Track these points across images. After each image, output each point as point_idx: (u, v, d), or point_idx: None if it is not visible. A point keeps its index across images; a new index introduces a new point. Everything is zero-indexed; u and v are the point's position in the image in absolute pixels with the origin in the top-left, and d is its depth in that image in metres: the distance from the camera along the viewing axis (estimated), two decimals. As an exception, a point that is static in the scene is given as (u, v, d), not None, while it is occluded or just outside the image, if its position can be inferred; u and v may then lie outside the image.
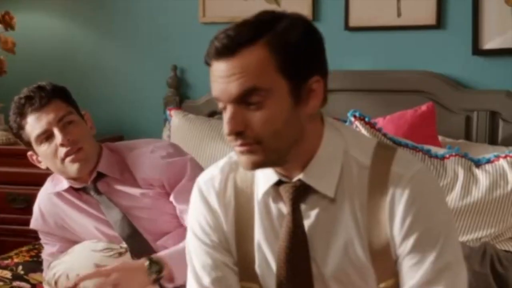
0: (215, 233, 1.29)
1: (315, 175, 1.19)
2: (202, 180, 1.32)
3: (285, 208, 1.23)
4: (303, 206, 1.21)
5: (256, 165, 1.16)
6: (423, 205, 1.16)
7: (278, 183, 1.22)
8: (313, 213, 1.22)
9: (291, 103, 1.12)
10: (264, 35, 1.11)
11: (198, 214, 1.30)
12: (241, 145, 1.14)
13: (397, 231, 1.17)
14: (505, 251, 2.05)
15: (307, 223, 1.22)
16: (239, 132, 1.13)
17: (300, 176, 1.20)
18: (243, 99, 1.12)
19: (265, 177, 1.24)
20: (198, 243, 1.30)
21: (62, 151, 1.75)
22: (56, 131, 1.74)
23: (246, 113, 1.12)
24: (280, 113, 1.12)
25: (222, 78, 1.12)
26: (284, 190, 1.21)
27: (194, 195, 1.32)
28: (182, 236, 1.77)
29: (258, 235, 1.26)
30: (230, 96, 1.12)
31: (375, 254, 1.19)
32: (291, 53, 1.11)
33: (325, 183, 1.19)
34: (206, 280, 1.28)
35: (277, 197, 1.24)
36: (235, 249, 1.29)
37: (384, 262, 1.19)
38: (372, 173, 1.19)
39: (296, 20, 1.15)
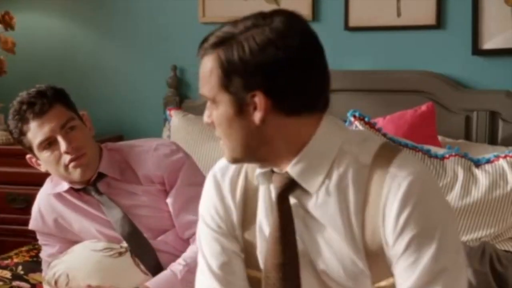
0: (224, 219, 1.31)
1: (300, 169, 1.20)
2: (218, 167, 1.35)
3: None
4: (292, 199, 1.23)
5: (227, 159, 1.24)
6: (418, 205, 1.15)
7: (273, 171, 1.25)
8: (302, 206, 1.23)
9: (234, 113, 1.17)
10: (221, 46, 1.15)
11: (208, 201, 1.33)
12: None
13: (391, 230, 1.16)
14: (505, 251, 2.05)
15: (296, 215, 1.23)
16: (212, 126, 1.22)
17: (288, 168, 1.21)
18: None
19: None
20: (207, 230, 1.33)
21: (67, 158, 1.75)
22: (60, 139, 1.74)
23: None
24: (224, 119, 1.18)
25: None
26: (275, 180, 1.24)
27: (208, 182, 1.35)
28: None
29: (260, 215, 1.28)
30: None
31: (370, 254, 1.19)
32: (230, 68, 1.14)
33: (308, 178, 1.20)
34: (215, 266, 1.31)
35: None
36: (241, 236, 1.31)
37: (380, 262, 1.19)
38: (371, 173, 1.19)
39: (269, 32, 1.13)
